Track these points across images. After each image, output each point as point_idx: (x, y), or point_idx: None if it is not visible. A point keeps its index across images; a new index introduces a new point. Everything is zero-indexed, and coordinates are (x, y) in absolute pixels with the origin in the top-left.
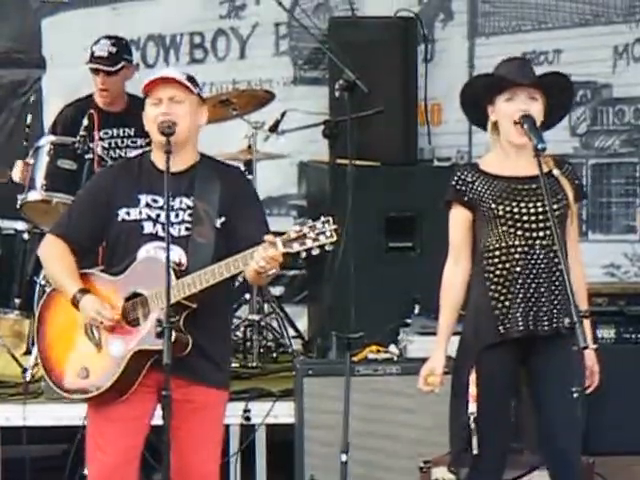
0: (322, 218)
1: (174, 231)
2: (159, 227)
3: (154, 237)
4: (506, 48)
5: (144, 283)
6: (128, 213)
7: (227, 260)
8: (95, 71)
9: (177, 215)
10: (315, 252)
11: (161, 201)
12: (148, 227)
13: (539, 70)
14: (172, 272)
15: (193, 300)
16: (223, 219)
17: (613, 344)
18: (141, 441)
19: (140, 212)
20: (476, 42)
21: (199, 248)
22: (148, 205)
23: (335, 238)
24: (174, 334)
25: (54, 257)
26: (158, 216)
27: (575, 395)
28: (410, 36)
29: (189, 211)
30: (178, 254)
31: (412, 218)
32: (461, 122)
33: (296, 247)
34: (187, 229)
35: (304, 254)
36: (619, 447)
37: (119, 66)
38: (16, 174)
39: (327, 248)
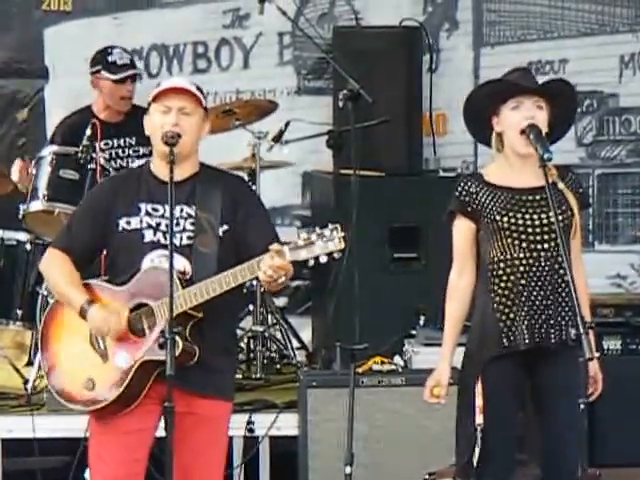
0: (330, 225)
1: (176, 240)
2: (160, 235)
3: (156, 245)
4: (511, 58)
5: (149, 293)
6: (129, 222)
7: (234, 269)
8: (121, 80)
9: (178, 223)
10: (323, 260)
11: (161, 210)
12: (149, 235)
13: (544, 80)
14: (178, 282)
15: (199, 310)
16: (226, 227)
17: (619, 355)
18: (145, 454)
19: (141, 221)
20: (481, 52)
21: (202, 257)
22: (148, 214)
23: (344, 245)
24: (181, 344)
25: (57, 270)
26: (159, 224)
27: (581, 407)
28: (415, 46)
29: (190, 219)
30: (182, 263)
31: (417, 229)
32: (466, 132)
33: (304, 255)
34: (189, 238)
35: (312, 262)
36: (626, 458)
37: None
38: (15, 173)
39: (335, 256)
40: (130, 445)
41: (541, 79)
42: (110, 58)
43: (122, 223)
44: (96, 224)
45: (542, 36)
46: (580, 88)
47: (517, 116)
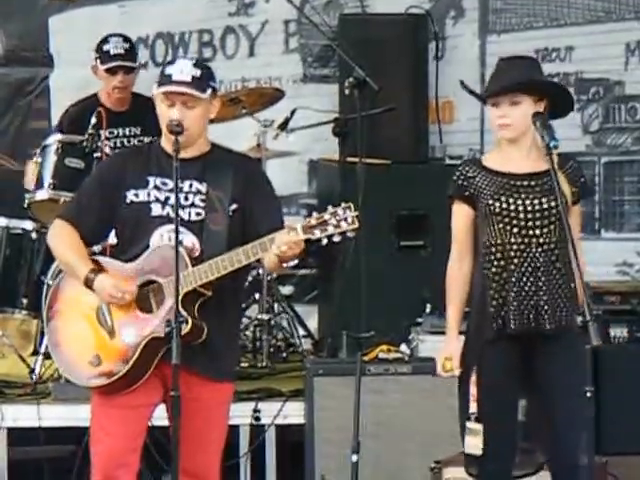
0: (343, 204)
1: (184, 214)
2: (169, 209)
3: (164, 219)
4: (517, 45)
5: (159, 270)
6: (136, 195)
7: (245, 247)
8: (112, 71)
9: (187, 198)
10: (337, 239)
11: (170, 184)
12: (157, 209)
13: (551, 67)
14: (187, 260)
15: (209, 288)
16: (235, 206)
17: (626, 343)
18: (144, 429)
19: (148, 194)
20: (487, 39)
21: (213, 235)
22: (157, 187)
23: (357, 225)
24: (190, 321)
25: (63, 241)
26: (167, 199)
27: (588, 395)
28: (421, 33)
29: (200, 195)
30: (191, 240)
31: (423, 216)
32: (473, 120)
33: (317, 234)
34: (198, 214)
35: (325, 241)
36: (632, 447)
37: (137, 62)
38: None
39: (349, 235)
40: (132, 420)
41: (547, 66)
42: (105, 47)
43: (130, 195)
44: (104, 196)
45: (548, 24)
46: (586, 75)
47: (493, 114)
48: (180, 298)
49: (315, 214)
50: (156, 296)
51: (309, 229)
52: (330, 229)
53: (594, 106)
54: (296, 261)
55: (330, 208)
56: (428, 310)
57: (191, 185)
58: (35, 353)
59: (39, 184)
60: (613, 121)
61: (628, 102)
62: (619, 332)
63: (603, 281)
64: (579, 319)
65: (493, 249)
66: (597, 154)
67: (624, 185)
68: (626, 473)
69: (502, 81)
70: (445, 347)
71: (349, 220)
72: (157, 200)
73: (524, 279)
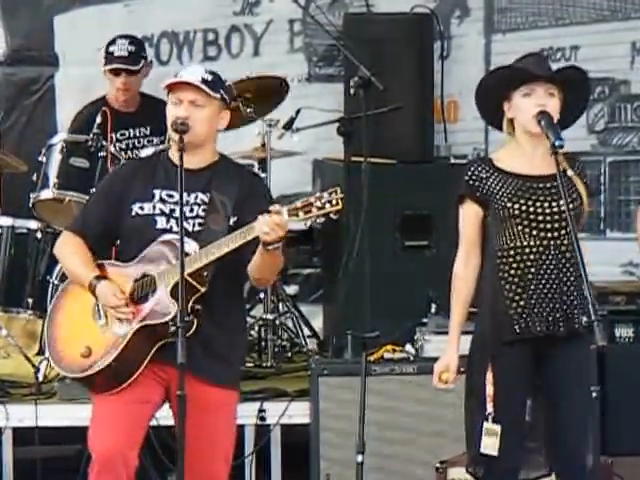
0: (329, 189)
1: (188, 225)
2: (173, 222)
3: (168, 232)
4: (523, 44)
5: (154, 264)
6: (142, 207)
7: (232, 233)
8: (115, 72)
9: (192, 210)
10: (320, 220)
11: (176, 196)
12: (161, 222)
13: (556, 66)
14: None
15: (202, 283)
16: (236, 218)
17: (631, 343)
18: (145, 425)
19: (154, 207)
20: (492, 38)
21: (212, 234)
22: (162, 200)
23: (340, 206)
24: (173, 310)
25: (69, 250)
26: (172, 211)
27: (594, 395)
28: (426, 32)
29: (204, 206)
30: (193, 247)
31: (428, 216)
32: (478, 119)
33: (302, 215)
34: (200, 224)
35: (308, 223)
36: (638, 447)
37: (141, 65)
38: None
39: (332, 216)
40: (130, 414)
41: (552, 66)
42: (110, 48)
43: (135, 208)
44: (110, 208)
45: (553, 23)
46: (591, 75)
47: (529, 103)
48: (170, 288)
49: (302, 199)
50: (149, 288)
51: (293, 211)
52: (314, 211)
53: (599, 105)
54: (279, 244)
55: (317, 193)
56: (433, 310)
57: (196, 197)
58: (40, 353)
59: (44, 183)
60: (619, 120)
61: (634, 101)
62: (625, 332)
63: (608, 281)
64: (584, 319)
65: (511, 252)
66: (602, 154)
67: (630, 185)
68: (632, 474)
69: (546, 69)
70: (442, 359)
71: (333, 202)
72: (162, 213)
73: (542, 282)
